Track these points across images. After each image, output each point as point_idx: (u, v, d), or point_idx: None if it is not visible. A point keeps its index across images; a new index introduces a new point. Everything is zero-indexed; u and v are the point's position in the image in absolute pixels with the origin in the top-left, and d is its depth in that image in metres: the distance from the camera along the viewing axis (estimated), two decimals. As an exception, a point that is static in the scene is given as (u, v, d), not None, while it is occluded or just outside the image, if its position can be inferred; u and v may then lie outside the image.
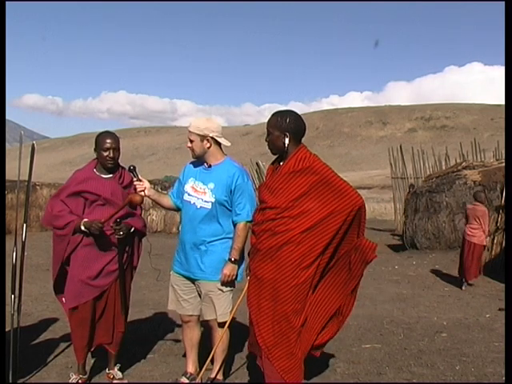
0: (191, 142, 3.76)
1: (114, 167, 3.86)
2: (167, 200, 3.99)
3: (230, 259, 3.71)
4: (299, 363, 3.25)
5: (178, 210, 4.04)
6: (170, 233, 15.87)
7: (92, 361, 4.27)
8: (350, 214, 3.19)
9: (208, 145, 3.74)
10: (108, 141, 3.79)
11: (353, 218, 3.21)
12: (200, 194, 3.75)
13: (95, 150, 3.86)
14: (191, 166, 3.91)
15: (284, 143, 3.25)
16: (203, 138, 3.73)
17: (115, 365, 4.02)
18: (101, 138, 3.83)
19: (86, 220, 3.71)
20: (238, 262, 3.75)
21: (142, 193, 3.80)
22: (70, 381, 3.88)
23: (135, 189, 3.81)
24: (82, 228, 3.70)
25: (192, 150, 3.78)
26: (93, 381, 4.00)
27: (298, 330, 3.21)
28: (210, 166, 3.79)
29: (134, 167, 3.85)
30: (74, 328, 3.85)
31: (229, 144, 3.86)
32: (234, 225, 3.75)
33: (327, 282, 3.32)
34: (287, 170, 3.24)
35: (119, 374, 4.01)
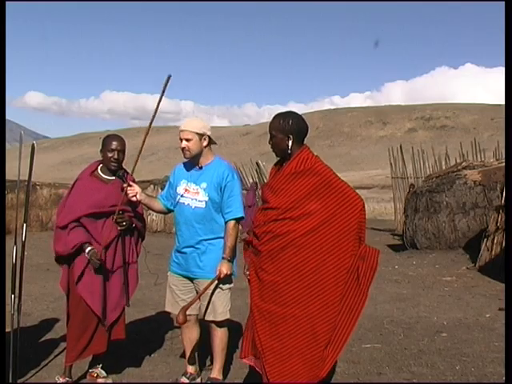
0: (187, 141, 3.76)
1: (117, 169, 3.89)
2: (157, 204, 4.01)
3: (225, 258, 3.72)
4: (293, 368, 3.20)
5: (167, 212, 4.06)
6: (170, 233, 15.85)
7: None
8: (351, 217, 3.18)
9: (205, 143, 3.77)
10: (114, 143, 3.87)
11: (354, 221, 3.19)
12: (193, 194, 3.78)
13: (101, 150, 3.93)
14: (181, 168, 3.95)
15: (287, 145, 3.26)
16: (201, 136, 3.75)
17: (98, 364, 3.99)
18: (108, 139, 3.92)
19: (93, 250, 3.77)
20: (232, 259, 3.77)
21: (134, 198, 3.81)
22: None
23: (126, 194, 3.81)
24: (87, 252, 3.78)
25: (188, 149, 3.77)
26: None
27: (295, 335, 3.18)
28: (201, 167, 3.82)
29: (124, 173, 3.87)
30: (75, 326, 3.84)
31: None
32: (225, 223, 3.78)
33: (332, 289, 3.24)
34: (289, 171, 3.25)
35: (103, 373, 3.98)
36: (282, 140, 3.28)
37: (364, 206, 3.23)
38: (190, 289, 3.89)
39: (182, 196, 3.84)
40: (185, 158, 3.85)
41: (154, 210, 4.14)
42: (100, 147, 3.95)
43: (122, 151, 3.89)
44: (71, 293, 3.88)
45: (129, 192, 3.80)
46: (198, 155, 3.80)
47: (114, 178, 3.91)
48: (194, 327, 3.96)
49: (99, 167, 3.98)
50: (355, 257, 3.20)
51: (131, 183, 3.83)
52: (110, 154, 3.85)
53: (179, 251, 3.87)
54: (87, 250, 3.76)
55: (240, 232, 4.08)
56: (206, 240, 3.76)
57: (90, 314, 3.81)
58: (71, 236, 3.78)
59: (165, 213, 4.12)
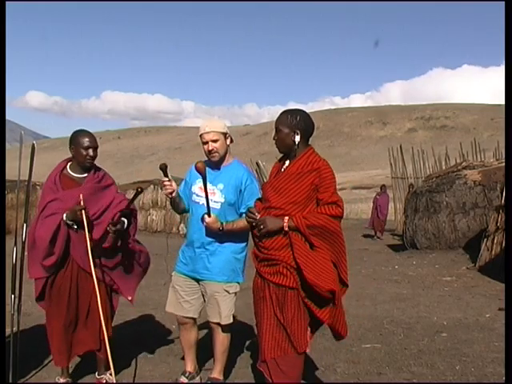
0: (215, 142, 3.69)
1: (91, 167, 3.80)
2: (183, 204, 3.94)
3: (221, 222, 3.65)
4: (294, 366, 3.20)
5: (186, 212, 4.02)
6: (170, 233, 15.88)
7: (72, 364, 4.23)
8: (340, 221, 3.19)
9: (229, 141, 3.75)
10: (88, 139, 3.74)
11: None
12: (209, 194, 3.68)
13: (71, 148, 3.77)
14: None
15: (294, 141, 3.20)
16: (225, 135, 3.73)
17: (106, 370, 3.88)
18: (79, 136, 3.76)
19: (67, 212, 3.64)
20: (222, 231, 3.66)
21: (170, 195, 3.77)
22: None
23: (165, 189, 3.75)
24: (67, 221, 3.64)
25: (216, 150, 3.70)
26: None
27: (295, 336, 3.17)
28: (218, 168, 3.78)
29: (166, 166, 3.71)
30: (54, 330, 3.79)
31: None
32: (240, 215, 3.72)
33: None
34: (295, 170, 3.19)
35: (112, 379, 3.82)
36: (287, 135, 3.22)
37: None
38: (194, 290, 3.86)
39: (197, 195, 3.79)
40: (213, 160, 3.74)
41: (177, 210, 4.03)
42: (69, 145, 3.78)
43: (96, 148, 3.78)
44: (48, 297, 3.78)
45: (167, 188, 3.74)
46: (224, 155, 3.75)
47: (85, 174, 3.80)
48: (193, 330, 3.95)
49: (68, 166, 3.84)
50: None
51: (171, 178, 3.73)
52: (84, 152, 3.72)
53: (189, 250, 3.83)
54: (65, 216, 3.63)
55: None
56: (217, 242, 3.72)
57: (73, 313, 3.75)
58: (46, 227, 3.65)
59: (183, 213, 4.06)
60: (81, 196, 3.66)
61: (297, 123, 3.20)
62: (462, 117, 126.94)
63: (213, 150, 3.70)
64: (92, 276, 3.67)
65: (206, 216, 3.63)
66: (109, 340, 3.70)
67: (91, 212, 3.71)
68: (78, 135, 3.77)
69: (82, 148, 3.72)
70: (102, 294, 3.71)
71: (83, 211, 3.61)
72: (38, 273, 3.71)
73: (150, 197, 17.10)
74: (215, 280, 3.75)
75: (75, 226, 3.67)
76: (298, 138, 3.20)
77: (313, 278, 3.05)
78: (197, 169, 3.57)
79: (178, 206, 3.95)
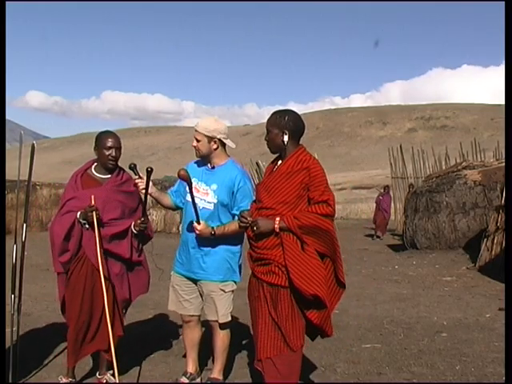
0: (197, 141, 3.74)
1: (114, 167, 3.83)
2: (167, 199, 3.98)
3: (212, 227, 3.66)
4: (290, 365, 3.21)
5: (176, 209, 4.04)
6: (170, 232, 15.88)
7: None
8: (332, 220, 3.20)
9: (215, 146, 3.74)
10: (110, 140, 3.76)
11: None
12: (202, 194, 3.73)
13: (95, 148, 3.83)
14: (194, 165, 3.88)
15: (283, 141, 3.24)
16: (211, 139, 3.72)
17: (108, 370, 3.89)
18: (103, 136, 3.80)
19: (81, 211, 3.69)
20: (214, 236, 3.66)
21: (143, 190, 3.79)
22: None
23: (136, 186, 3.77)
24: (80, 220, 3.68)
25: (198, 149, 3.76)
26: None
27: (289, 335, 3.16)
28: (213, 167, 3.79)
29: (135, 165, 3.76)
30: (68, 330, 3.80)
31: (234, 146, 3.87)
32: (233, 216, 3.73)
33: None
34: (285, 169, 3.22)
35: (112, 379, 3.84)
36: (276, 135, 3.25)
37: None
38: (193, 289, 3.87)
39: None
40: (196, 156, 3.83)
41: (163, 205, 4.08)
42: (94, 145, 3.83)
43: (118, 148, 3.79)
44: (69, 296, 3.80)
45: (139, 184, 3.76)
46: (208, 156, 3.77)
47: (109, 176, 3.83)
48: (196, 328, 3.96)
49: (93, 166, 3.88)
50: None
51: (142, 175, 3.75)
52: (107, 152, 3.75)
53: (184, 250, 3.84)
54: (78, 215, 3.68)
55: None
56: (210, 242, 3.72)
57: (86, 314, 3.76)
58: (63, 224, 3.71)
59: (173, 209, 4.08)
60: (92, 197, 3.67)
61: (285, 123, 3.24)
62: (462, 117, 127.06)
63: (195, 146, 3.76)
64: (103, 276, 3.68)
65: (195, 224, 3.64)
66: (119, 339, 3.74)
67: (108, 214, 3.74)
68: (101, 136, 3.82)
69: (105, 148, 3.76)
70: (109, 294, 3.73)
71: (94, 212, 3.63)
72: (58, 268, 3.79)
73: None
74: (211, 280, 3.76)
75: (87, 226, 3.69)
76: (286, 138, 3.24)
77: (298, 281, 3.09)
78: (180, 177, 3.61)
79: (160, 201, 3.98)
